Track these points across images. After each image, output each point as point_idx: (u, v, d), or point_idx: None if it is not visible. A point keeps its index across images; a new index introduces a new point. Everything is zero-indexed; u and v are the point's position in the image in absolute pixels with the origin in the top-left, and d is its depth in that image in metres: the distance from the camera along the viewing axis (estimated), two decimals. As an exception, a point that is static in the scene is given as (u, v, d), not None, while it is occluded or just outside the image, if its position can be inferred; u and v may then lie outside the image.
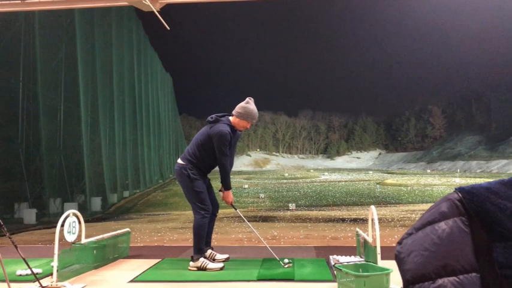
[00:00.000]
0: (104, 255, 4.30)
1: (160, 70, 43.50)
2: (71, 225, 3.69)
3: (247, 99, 4.22)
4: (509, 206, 1.65)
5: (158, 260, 4.53)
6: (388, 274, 2.95)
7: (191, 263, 4.05)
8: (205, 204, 4.08)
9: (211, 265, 4.00)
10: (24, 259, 3.05)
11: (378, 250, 3.37)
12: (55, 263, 3.45)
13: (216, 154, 4.07)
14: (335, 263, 3.35)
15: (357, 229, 4.42)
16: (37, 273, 3.55)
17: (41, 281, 3.22)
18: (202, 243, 4.07)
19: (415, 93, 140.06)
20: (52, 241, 4.39)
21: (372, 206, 3.71)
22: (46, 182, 14.04)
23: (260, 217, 13.74)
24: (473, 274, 1.65)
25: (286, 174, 61.78)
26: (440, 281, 1.66)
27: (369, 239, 3.73)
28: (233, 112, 4.18)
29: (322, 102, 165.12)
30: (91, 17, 18.51)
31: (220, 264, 4.05)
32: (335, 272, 3.20)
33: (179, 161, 4.21)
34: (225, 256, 4.34)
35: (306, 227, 9.97)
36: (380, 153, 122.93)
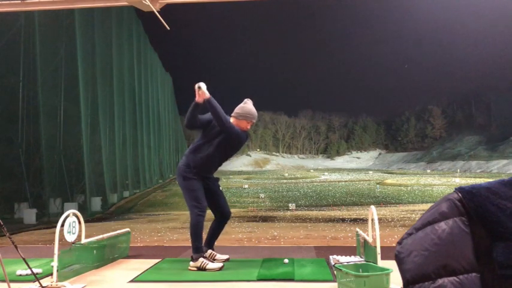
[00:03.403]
0: (104, 255, 4.30)
1: (160, 70, 43.46)
2: (71, 225, 3.69)
3: (244, 100, 4.25)
4: (509, 206, 1.65)
5: (158, 260, 4.53)
6: (388, 274, 2.95)
7: (191, 263, 4.05)
8: (199, 203, 4.09)
9: (211, 265, 4.00)
10: (24, 259, 3.05)
11: (378, 250, 3.37)
12: (55, 263, 3.44)
13: (210, 146, 4.10)
14: (335, 263, 3.34)
15: (357, 229, 4.42)
16: (37, 273, 3.55)
17: (41, 281, 3.22)
18: (199, 241, 4.08)
19: (415, 93, 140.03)
20: (52, 241, 4.39)
21: (372, 206, 3.71)
22: (46, 182, 14.02)
23: (260, 217, 13.73)
24: (473, 274, 1.65)
25: (286, 174, 61.76)
26: (440, 281, 1.66)
27: (369, 239, 3.73)
28: (232, 114, 4.20)
29: (322, 102, 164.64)
30: (91, 17, 18.48)
31: (220, 264, 4.05)
32: (335, 272, 3.20)
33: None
34: (225, 256, 4.34)
35: (306, 227, 9.97)
36: (380, 153, 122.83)
